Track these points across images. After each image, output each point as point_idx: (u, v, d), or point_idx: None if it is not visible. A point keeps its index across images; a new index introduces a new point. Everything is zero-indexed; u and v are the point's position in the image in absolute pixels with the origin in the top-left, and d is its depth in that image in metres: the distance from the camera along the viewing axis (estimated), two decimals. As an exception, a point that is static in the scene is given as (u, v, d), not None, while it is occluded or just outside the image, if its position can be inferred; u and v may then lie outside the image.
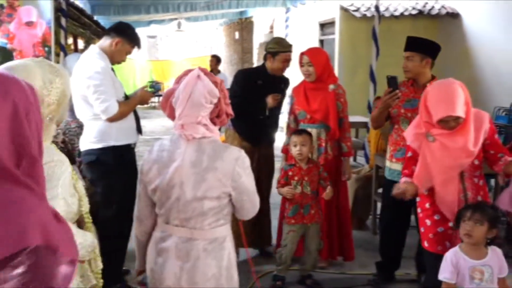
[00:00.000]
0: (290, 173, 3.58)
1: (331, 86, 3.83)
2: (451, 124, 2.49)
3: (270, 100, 3.89)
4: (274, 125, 4.28)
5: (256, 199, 2.05)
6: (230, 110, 2.03)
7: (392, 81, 3.31)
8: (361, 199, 4.91)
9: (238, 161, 1.95)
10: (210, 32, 21.91)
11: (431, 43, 3.42)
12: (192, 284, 1.94)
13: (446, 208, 2.59)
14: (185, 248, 1.94)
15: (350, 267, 4.02)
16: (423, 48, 3.37)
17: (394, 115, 3.47)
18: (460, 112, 2.43)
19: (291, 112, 4.03)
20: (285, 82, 4.22)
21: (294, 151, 3.56)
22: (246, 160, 2.00)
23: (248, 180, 2.00)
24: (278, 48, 3.93)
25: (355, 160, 8.30)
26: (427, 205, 2.72)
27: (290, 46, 4.03)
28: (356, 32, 9.41)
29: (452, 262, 2.33)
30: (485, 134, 2.59)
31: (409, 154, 2.75)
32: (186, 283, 1.94)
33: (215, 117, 1.99)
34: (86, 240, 1.75)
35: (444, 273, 2.35)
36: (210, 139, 1.95)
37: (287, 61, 3.96)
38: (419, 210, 2.79)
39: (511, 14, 7.68)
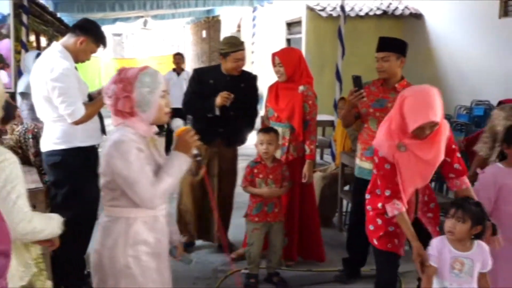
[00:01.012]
0: (255, 170, 3.60)
1: (301, 88, 3.85)
2: (426, 131, 2.44)
3: (218, 99, 3.81)
4: (242, 124, 4.08)
5: (139, 190, 1.98)
6: (124, 107, 2.02)
7: (357, 81, 3.35)
8: (327, 197, 4.96)
9: (116, 145, 2.00)
10: (177, 31, 21.75)
11: (403, 43, 3.46)
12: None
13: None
14: None
15: (317, 264, 4.05)
16: (397, 47, 3.41)
17: (363, 114, 3.51)
18: (439, 118, 2.42)
19: (265, 109, 4.08)
20: (249, 80, 4.10)
21: (261, 148, 3.57)
22: (126, 146, 1.98)
23: (122, 165, 1.97)
24: (228, 49, 3.90)
25: (322, 158, 8.39)
26: (379, 205, 2.69)
27: (240, 44, 3.97)
28: (322, 32, 9.51)
29: (438, 248, 2.38)
30: (445, 142, 2.58)
31: (388, 166, 2.56)
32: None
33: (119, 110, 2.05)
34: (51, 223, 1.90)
35: (429, 259, 2.40)
36: (119, 126, 2.08)
37: (239, 60, 3.92)
38: (369, 208, 2.76)
39: (471, 16, 7.91)
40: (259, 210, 3.60)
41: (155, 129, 2.15)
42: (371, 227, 2.75)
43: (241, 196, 4.00)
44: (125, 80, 2.01)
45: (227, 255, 4.05)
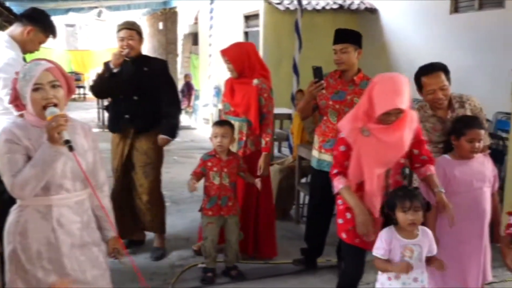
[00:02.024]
0: (209, 163, 3.58)
1: (255, 81, 3.85)
2: (392, 118, 2.47)
3: (111, 58, 3.77)
4: (151, 109, 3.89)
5: (5, 179, 2.06)
6: (12, 99, 2.14)
7: (317, 72, 3.35)
8: (284, 189, 5.00)
9: None
10: (133, 22, 21.27)
11: (359, 34, 3.50)
12: None
13: (371, 204, 2.59)
14: None
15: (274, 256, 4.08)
16: (355, 39, 3.45)
17: (322, 107, 3.53)
18: (405, 105, 2.45)
19: (222, 103, 4.07)
20: (153, 64, 3.96)
21: (215, 142, 3.55)
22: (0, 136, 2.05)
23: None
24: (116, 32, 3.87)
25: (279, 151, 8.45)
26: None
27: (124, 24, 3.88)
28: (279, 25, 9.53)
29: (386, 240, 2.43)
30: (413, 133, 2.62)
31: (342, 148, 2.62)
32: None
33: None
34: None
35: (378, 250, 2.44)
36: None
37: (123, 39, 3.80)
38: (339, 202, 2.76)
39: (424, 11, 8.10)
40: (213, 204, 3.58)
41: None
42: (340, 221, 2.74)
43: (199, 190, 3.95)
44: (16, 73, 2.09)
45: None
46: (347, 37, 3.44)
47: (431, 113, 3.05)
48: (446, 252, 2.67)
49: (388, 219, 2.52)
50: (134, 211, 4.05)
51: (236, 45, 4.03)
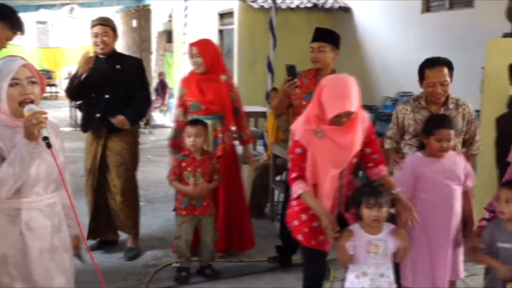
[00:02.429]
0: (183, 164, 3.54)
1: (223, 77, 3.84)
2: (343, 120, 2.48)
3: (80, 61, 3.67)
4: (124, 107, 3.78)
5: None
6: None
7: (291, 70, 3.35)
8: (259, 187, 5.00)
9: None
10: (106, 19, 20.98)
11: (338, 36, 3.52)
12: None
13: (324, 204, 2.58)
14: None
15: (249, 254, 4.08)
16: (333, 40, 3.47)
17: (296, 106, 3.53)
18: (354, 107, 2.47)
19: (180, 105, 3.92)
20: (126, 63, 3.88)
21: (188, 141, 3.52)
22: None
23: None
24: (90, 27, 3.80)
25: (254, 149, 8.44)
26: None
27: (97, 20, 3.81)
28: (254, 23, 9.53)
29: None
30: (365, 133, 2.63)
31: (298, 150, 2.61)
32: None
33: None
34: None
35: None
36: None
37: (97, 35, 3.74)
38: (294, 203, 2.74)
39: (396, 11, 8.22)
40: (186, 204, 3.55)
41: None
42: (295, 223, 2.71)
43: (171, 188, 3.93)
44: None
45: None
46: (325, 37, 3.45)
47: (425, 105, 3.10)
48: (415, 246, 2.72)
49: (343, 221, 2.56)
50: (109, 211, 3.99)
51: (207, 40, 3.99)
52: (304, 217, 2.68)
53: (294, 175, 2.63)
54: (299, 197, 2.61)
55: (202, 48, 3.79)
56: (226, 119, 3.83)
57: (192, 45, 3.83)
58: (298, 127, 2.62)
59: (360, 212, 2.47)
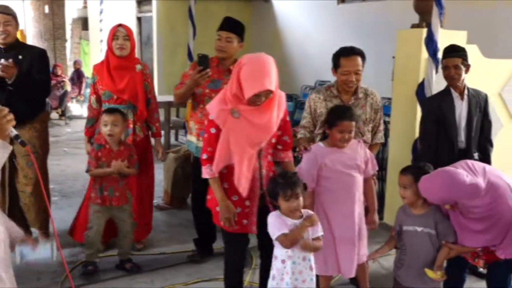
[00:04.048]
0: (99, 153, 3.42)
1: (138, 66, 3.76)
2: (261, 99, 2.49)
3: None
4: (26, 96, 3.63)
5: None
6: None
7: (203, 60, 3.34)
8: (180, 177, 4.94)
9: None
10: (15, 5, 19.76)
11: (244, 28, 3.52)
12: None
13: (243, 186, 2.59)
14: None
15: (170, 245, 4.03)
16: (240, 31, 3.47)
17: (198, 94, 3.49)
18: (273, 86, 2.48)
19: (93, 92, 3.81)
20: (28, 52, 3.69)
21: (105, 131, 3.39)
22: None
23: None
24: None
25: (176, 139, 8.35)
26: (225, 185, 2.66)
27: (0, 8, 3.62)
28: (173, 11, 9.35)
29: (276, 224, 2.49)
30: (282, 114, 2.67)
31: (213, 130, 2.59)
32: None
33: None
34: None
35: (279, 230, 2.47)
36: None
37: (0, 24, 3.54)
38: None
39: (314, 2, 8.37)
40: (101, 193, 3.44)
41: None
42: (217, 209, 2.70)
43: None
44: None
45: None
46: (234, 27, 3.46)
47: (336, 94, 3.17)
48: (324, 233, 2.78)
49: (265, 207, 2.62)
50: (19, 208, 3.79)
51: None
52: None
53: (205, 156, 2.63)
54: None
55: (129, 30, 3.71)
56: (138, 110, 3.74)
57: (120, 25, 3.69)
58: (214, 107, 2.61)
59: (277, 204, 2.52)
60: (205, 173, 2.63)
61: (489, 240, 2.55)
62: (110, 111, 3.47)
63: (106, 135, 3.39)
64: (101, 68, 3.75)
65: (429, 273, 2.60)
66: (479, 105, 3.50)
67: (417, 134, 3.94)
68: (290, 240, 2.47)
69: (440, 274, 2.60)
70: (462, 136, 3.48)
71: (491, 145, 3.58)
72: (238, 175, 2.57)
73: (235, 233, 2.71)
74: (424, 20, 4.20)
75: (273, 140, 2.70)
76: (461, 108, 3.47)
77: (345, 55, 3.09)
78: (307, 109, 3.30)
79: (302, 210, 2.55)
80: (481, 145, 3.54)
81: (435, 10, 3.87)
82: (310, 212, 2.60)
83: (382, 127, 3.32)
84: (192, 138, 3.62)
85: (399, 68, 4.46)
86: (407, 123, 4.35)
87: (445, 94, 3.52)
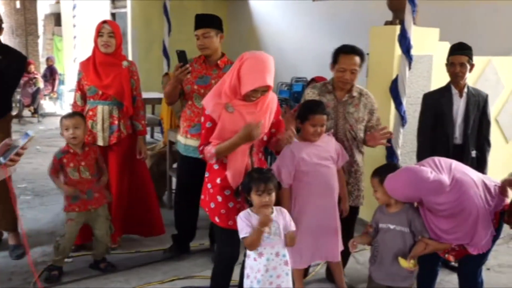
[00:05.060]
0: (64, 160, 3.34)
1: (125, 63, 3.71)
2: (258, 95, 2.54)
3: None
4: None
5: None
6: None
7: (181, 56, 3.30)
8: (156, 175, 4.89)
9: None
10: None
11: (219, 18, 3.50)
12: None
13: (234, 181, 2.62)
14: None
15: (146, 243, 4.00)
16: (215, 23, 3.44)
17: (187, 91, 3.48)
18: (272, 83, 2.54)
19: (78, 88, 3.76)
20: (8, 52, 3.63)
21: (67, 135, 3.31)
22: None
23: None
24: None
25: (152, 136, 8.27)
26: (218, 181, 2.68)
27: None
28: (148, 7, 9.27)
29: (246, 221, 2.49)
30: (273, 114, 2.70)
31: (208, 124, 2.62)
32: None
33: None
34: None
35: (244, 230, 2.48)
36: None
37: None
38: (209, 186, 2.74)
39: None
40: (77, 199, 3.36)
41: None
42: (212, 205, 2.71)
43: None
44: None
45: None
46: (208, 22, 3.42)
47: (331, 89, 3.20)
48: (302, 226, 2.86)
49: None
50: None
51: (113, 21, 3.86)
52: (220, 198, 2.69)
53: (201, 147, 2.66)
54: (215, 155, 2.60)
55: (115, 27, 3.64)
56: (124, 106, 3.69)
57: (105, 22, 3.64)
58: (209, 101, 2.63)
59: (250, 198, 2.52)
60: (207, 152, 2.61)
61: (459, 239, 2.60)
62: (69, 115, 3.41)
63: (68, 139, 3.33)
64: (87, 64, 3.69)
65: (402, 261, 2.64)
66: (478, 104, 3.56)
67: (391, 130, 3.98)
68: (249, 243, 2.49)
69: (413, 263, 2.63)
70: (457, 132, 3.55)
71: (489, 144, 3.65)
72: (231, 169, 2.60)
73: (229, 229, 2.68)
74: (398, 17, 4.25)
75: (265, 138, 2.73)
76: (458, 105, 3.54)
77: (344, 53, 3.13)
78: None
79: (274, 208, 2.56)
80: (479, 143, 3.61)
81: (408, 7, 3.91)
82: (282, 208, 2.62)
83: (379, 122, 3.34)
84: (180, 138, 3.61)
85: (373, 65, 4.49)
86: (381, 119, 4.38)
87: (445, 90, 3.59)
